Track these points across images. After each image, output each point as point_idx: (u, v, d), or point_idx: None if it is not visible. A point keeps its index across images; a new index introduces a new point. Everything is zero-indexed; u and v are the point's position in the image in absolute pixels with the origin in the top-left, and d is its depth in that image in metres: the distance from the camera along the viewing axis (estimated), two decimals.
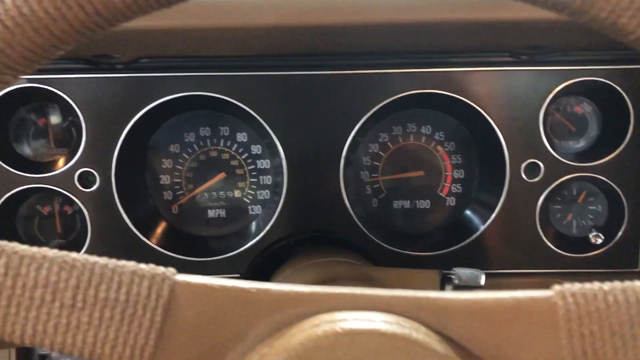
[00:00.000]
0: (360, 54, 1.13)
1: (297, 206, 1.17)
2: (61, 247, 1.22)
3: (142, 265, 0.46)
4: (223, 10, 0.85)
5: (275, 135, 1.14)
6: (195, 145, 1.26)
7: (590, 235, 1.18)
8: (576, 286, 0.44)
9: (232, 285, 0.47)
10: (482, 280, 0.88)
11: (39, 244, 1.22)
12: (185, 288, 0.46)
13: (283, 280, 0.95)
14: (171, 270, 0.47)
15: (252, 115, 1.13)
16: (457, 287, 0.88)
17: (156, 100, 1.10)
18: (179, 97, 1.10)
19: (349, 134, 1.15)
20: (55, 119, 1.19)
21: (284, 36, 0.95)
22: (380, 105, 1.14)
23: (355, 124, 1.15)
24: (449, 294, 0.46)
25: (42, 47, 0.43)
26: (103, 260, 0.45)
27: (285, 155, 1.15)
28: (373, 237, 1.17)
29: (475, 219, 1.22)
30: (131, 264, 0.46)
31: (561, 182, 1.16)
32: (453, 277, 0.87)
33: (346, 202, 1.17)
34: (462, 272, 0.89)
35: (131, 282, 0.44)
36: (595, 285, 0.44)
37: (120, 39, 0.91)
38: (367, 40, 1.02)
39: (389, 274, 0.88)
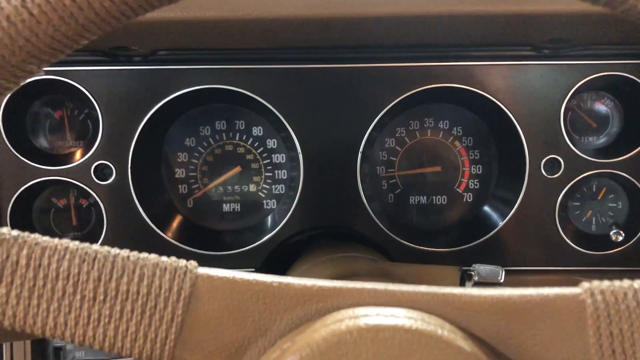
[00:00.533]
0: (379, 47, 1.12)
1: (313, 201, 1.16)
2: (76, 240, 1.23)
3: (164, 258, 0.45)
4: (241, 2, 0.84)
5: (292, 129, 1.13)
6: (210, 139, 1.25)
7: (611, 233, 1.16)
8: (605, 284, 0.43)
9: (254, 278, 0.46)
10: (502, 277, 0.87)
11: (54, 236, 1.23)
12: (207, 281, 0.45)
13: (299, 275, 0.94)
14: (193, 263, 0.46)
15: (269, 108, 1.12)
16: (477, 284, 0.87)
17: (173, 93, 1.09)
18: (196, 90, 1.10)
19: (367, 128, 1.14)
20: (72, 111, 1.19)
21: (302, 29, 0.94)
22: (398, 99, 1.12)
23: (373, 119, 1.14)
24: (474, 290, 0.45)
25: (68, 36, 0.42)
26: (125, 252, 0.44)
27: (301, 149, 1.14)
28: (389, 233, 1.16)
29: (494, 215, 1.21)
30: (153, 257, 0.45)
31: (581, 179, 1.14)
32: (473, 273, 0.86)
33: (363, 197, 1.16)
34: (482, 269, 0.88)
35: (153, 275, 0.44)
36: (625, 282, 0.43)
37: (138, 31, 0.91)
38: (386, 33, 1.01)
39: (407, 270, 0.87)
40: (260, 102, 1.11)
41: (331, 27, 0.93)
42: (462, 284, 0.86)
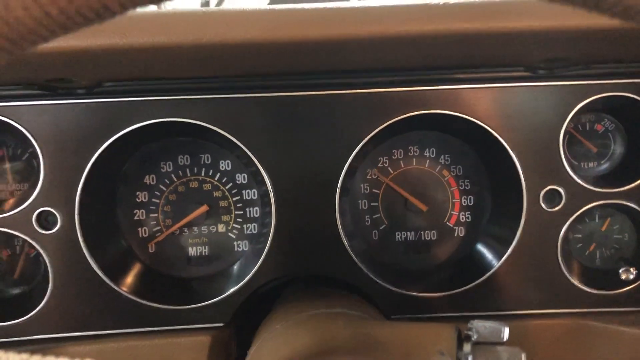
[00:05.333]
0: (356, 72, 1.00)
1: (288, 242, 1.04)
2: (22, 296, 1.09)
3: None
4: (191, 25, 0.72)
5: (261, 163, 1.01)
6: (173, 176, 1.12)
7: (620, 270, 1.04)
8: None
9: None
10: (506, 335, 0.75)
11: None
12: None
13: (270, 338, 0.81)
14: None
15: (234, 142, 1.00)
16: (477, 344, 0.74)
17: (124, 128, 0.96)
18: (150, 124, 0.97)
19: (346, 159, 1.02)
20: (14, 150, 1.06)
21: (269, 53, 0.82)
22: (377, 129, 1.01)
23: (352, 150, 1.02)
24: None
25: None
26: None
27: (272, 185, 1.01)
28: (373, 277, 1.04)
29: (489, 254, 1.08)
30: None
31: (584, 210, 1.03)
32: (471, 333, 0.74)
33: (342, 236, 1.03)
34: (481, 326, 0.75)
35: None
36: None
37: (77, 60, 0.78)
38: (365, 56, 0.89)
39: (396, 333, 0.74)
40: (224, 135, 0.99)
41: (303, 50, 0.81)
42: (459, 345, 0.73)
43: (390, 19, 0.76)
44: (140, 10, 0.76)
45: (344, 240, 1.04)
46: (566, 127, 1.00)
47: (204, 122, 0.98)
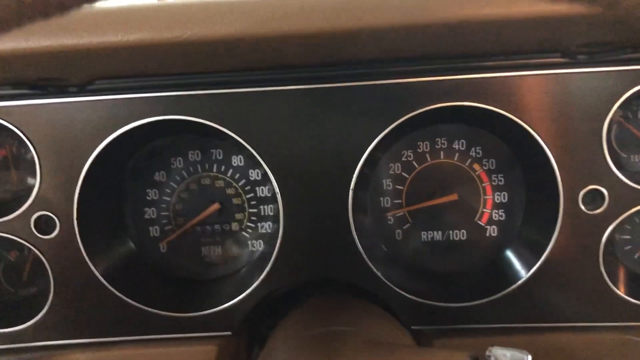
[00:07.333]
0: (374, 62, 0.90)
1: (298, 246, 0.96)
2: (29, 297, 1.06)
3: None
4: (170, 21, 0.64)
5: (267, 164, 0.93)
6: (184, 172, 1.07)
7: None
8: None
9: None
10: None
11: (6, 294, 1.07)
12: None
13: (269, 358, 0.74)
14: None
15: (239, 141, 0.92)
16: None
17: (120, 127, 0.90)
18: (150, 122, 0.91)
19: (361, 156, 0.93)
20: (17, 149, 1.02)
21: (275, 45, 0.73)
22: (396, 123, 0.91)
23: (368, 145, 0.93)
24: None
25: None
26: None
27: (280, 187, 0.94)
28: (390, 284, 0.95)
29: (522, 259, 0.98)
30: None
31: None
32: None
33: (356, 239, 0.95)
34: (500, 354, 0.66)
35: None
36: None
37: (63, 60, 0.72)
38: (386, 45, 0.78)
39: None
40: (227, 133, 0.92)
41: (315, 41, 0.72)
42: None
43: (416, 6, 0.66)
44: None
45: (357, 243, 0.95)
46: (611, 118, 0.88)
47: (204, 119, 0.90)
